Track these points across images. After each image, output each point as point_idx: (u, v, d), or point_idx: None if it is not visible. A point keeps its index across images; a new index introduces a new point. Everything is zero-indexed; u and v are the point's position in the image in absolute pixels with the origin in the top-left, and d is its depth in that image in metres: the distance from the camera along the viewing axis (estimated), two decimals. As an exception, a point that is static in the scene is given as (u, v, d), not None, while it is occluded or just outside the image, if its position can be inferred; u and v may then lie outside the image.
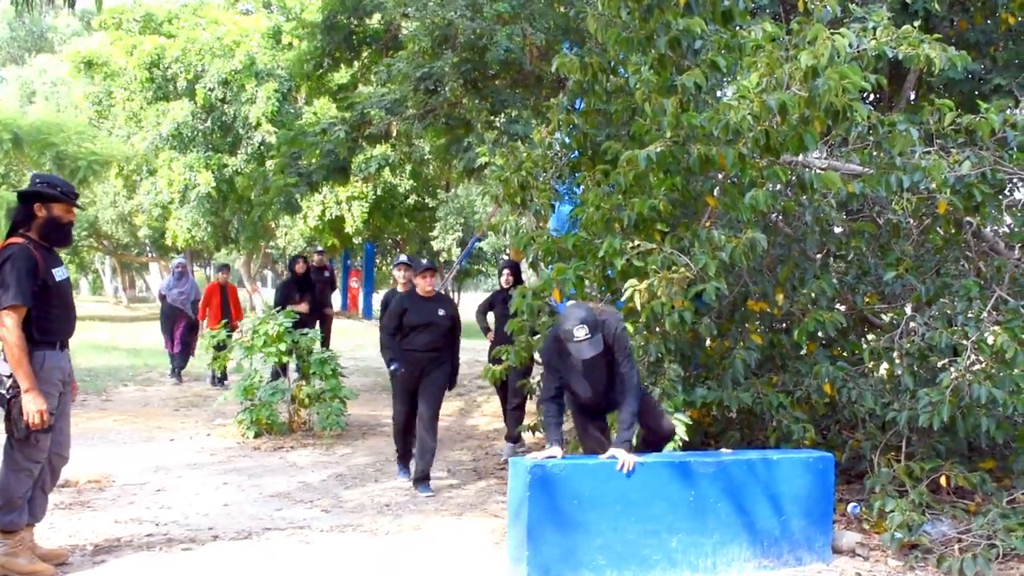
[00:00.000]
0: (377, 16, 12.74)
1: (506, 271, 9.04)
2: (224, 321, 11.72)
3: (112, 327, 22.47)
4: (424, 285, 7.46)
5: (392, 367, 7.46)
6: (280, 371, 9.75)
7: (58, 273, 5.02)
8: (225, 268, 13.48)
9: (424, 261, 7.88)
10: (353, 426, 10.09)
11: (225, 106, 23.75)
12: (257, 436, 9.23)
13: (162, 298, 13.86)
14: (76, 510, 6.43)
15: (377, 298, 26.26)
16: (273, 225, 25.84)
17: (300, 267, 12.49)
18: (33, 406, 4.77)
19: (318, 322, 11.98)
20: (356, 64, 14.10)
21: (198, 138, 24.10)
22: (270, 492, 7.15)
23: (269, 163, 14.43)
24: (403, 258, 8.45)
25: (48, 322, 4.94)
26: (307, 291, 12.34)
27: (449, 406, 12.07)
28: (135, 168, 25.29)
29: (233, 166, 23.38)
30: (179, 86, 24.04)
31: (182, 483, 7.38)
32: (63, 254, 5.25)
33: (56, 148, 20.79)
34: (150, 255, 34.34)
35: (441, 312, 7.52)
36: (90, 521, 6.15)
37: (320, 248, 17.78)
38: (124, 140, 24.82)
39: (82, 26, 41.82)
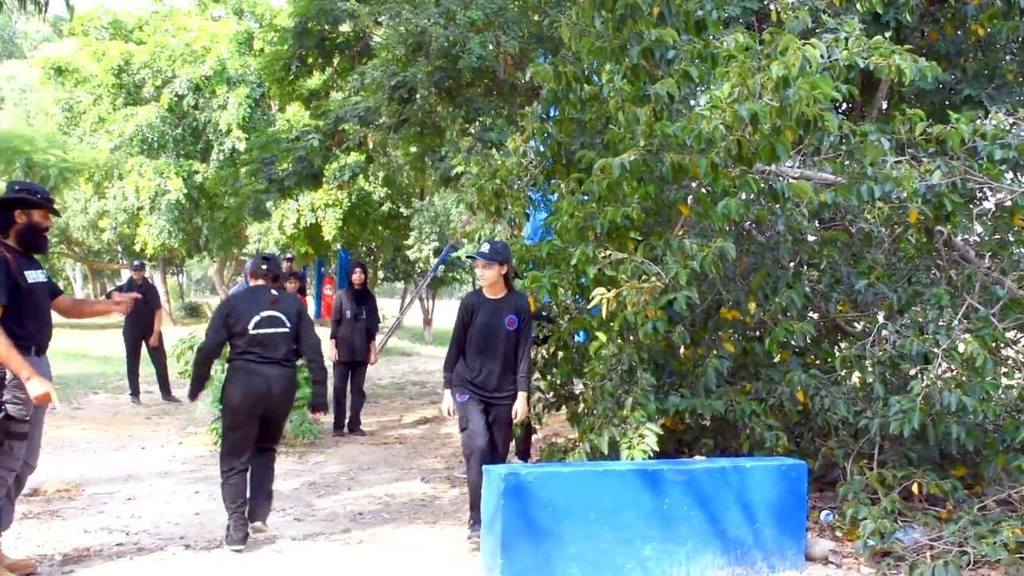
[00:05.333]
0: (349, 23, 12.70)
1: None
2: None
3: (83, 334, 22.23)
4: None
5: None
6: None
7: (31, 276, 4.99)
8: (293, 277, 11.26)
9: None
10: (326, 434, 10.03)
11: (196, 112, 23.61)
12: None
13: None
14: (45, 519, 6.35)
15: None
16: (246, 232, 25.69)
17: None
18: (40, 390, 4.74)
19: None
20: (328, 70, 14.04)
21: (168, 144, 23.93)
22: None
23: (243, 169, 14.33)
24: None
25: (19, 326, 4.89)
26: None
27: (422, 413, 12.05)
28: (105, 174, 25.09)
29: (204, 173, 23.24)
30: (147, 92, 23.88)
31: (153, 492, 7.32)
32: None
33: (26, 155, 20.62)
34: (121, 262, 34.05)
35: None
36: (59, 530, 6.08)
37: (289, 255, 17.59)
38: (93, 146, 24.63)
39: (52, 32, 41.49)
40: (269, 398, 5.79)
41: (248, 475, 5.87)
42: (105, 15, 25.83)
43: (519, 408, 6.07)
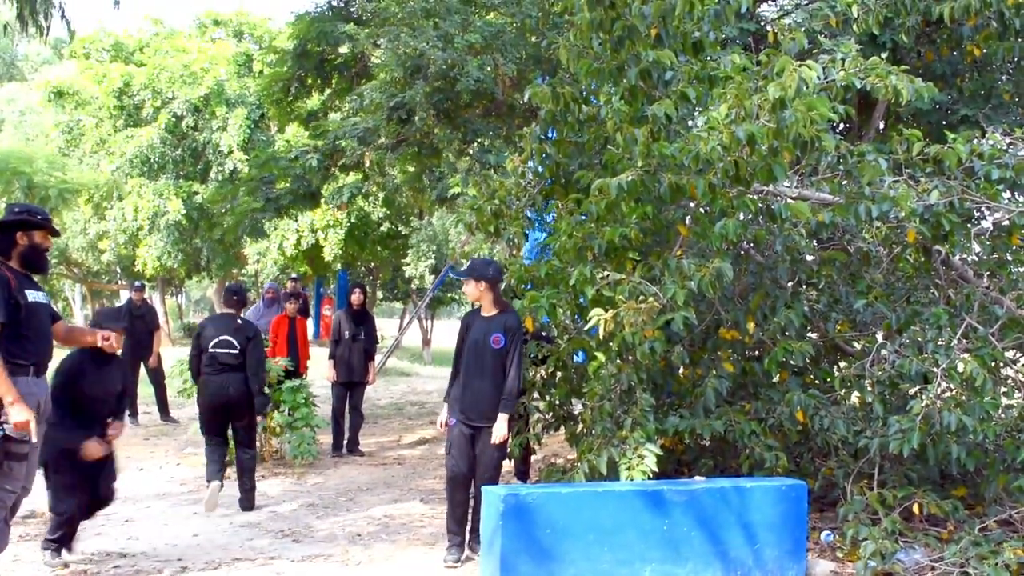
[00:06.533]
0: (348, 45, 12.76)
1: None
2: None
3: (81, 356, 22.22)
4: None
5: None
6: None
7: (32, 296, 5.00)
8: (295, 297, 11.26)
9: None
10: (324, 454, 10.01)
11: (196, 133, 23.68)
12: (228, 465, 9.13)
13: None
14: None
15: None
16: (245, 253, 25.73)
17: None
18: (21, 417, 4.69)
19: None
20: (326, 91, 14.09)
21: (168, 165, 24.00)
22: (240, 522, 7.08)
23: (241, 189, 14.38)
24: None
25: (18, 345, 4.89)
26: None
27: (421, 434, 12.03)
28: (104, 195, 25.15)
29: (204, 193, 23.30)
30: (146, 114, 23.98)
31: (151, 513, 7.30)
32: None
33: (26, 177, 20.66)
34: (120, 283, 34.06)
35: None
36: (56, 553, 6.05)
37: (295, 275, 17.57)
38: (93, 168, 24.69)
39: (53, 54, 41.64)
40: (224, 398, 7.42)
41: (224, 451, 7.66)
42: (107, 37, 25.97)
43: (497, 431, 6.01)
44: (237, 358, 7.41)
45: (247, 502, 7.51)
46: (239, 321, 7.65)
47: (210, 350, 7.40)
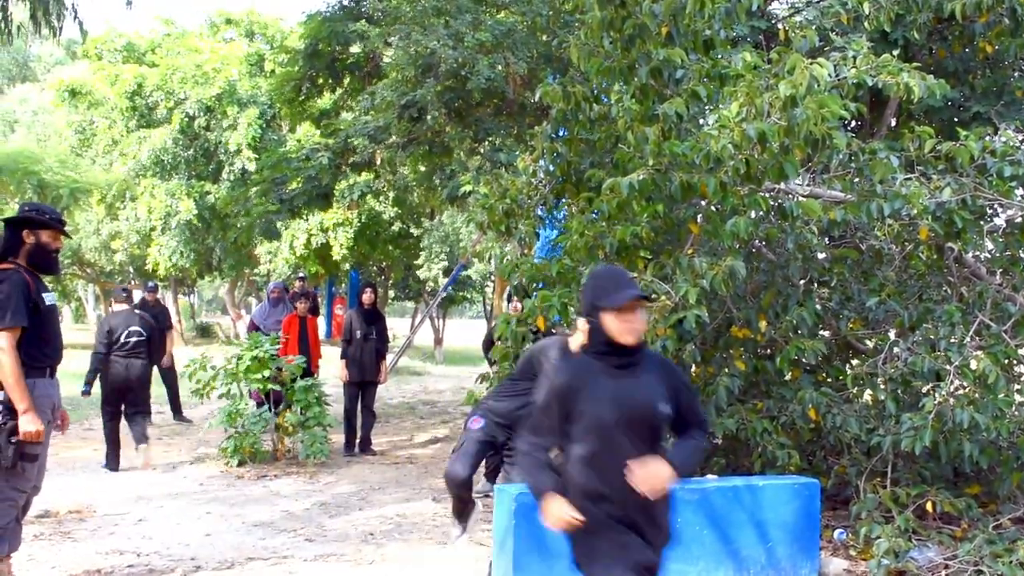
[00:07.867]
0: (359, 44, 12.79)
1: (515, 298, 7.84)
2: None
3: (94, 356, 22.31)
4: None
5: None
6: (264, 398, 9.69)
7: (47, 298, 5.02)
8: (304, 296, 11.32)
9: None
10: (336, 454, 10.03)
11: (208, 133, 23.75)
12: (240, 464, 9.18)
13: (254, 328, 11.22)
14: (57, 541, 6.37)
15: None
16: (256, 252, 25.79)
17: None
18: (31, 427, 4.72)
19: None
20: (338, 90, 14.12)
21: (180, 165, 24.08)
22: (253, 521, 7.10)
23: (254, 189, 14.44)
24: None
25: (36, 347, 4.92)
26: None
27: (433, 433, 12.04)
28: (117, 195, 25.26)
29: (216, 193, 23.37)
30: (159, 114, 24.06)
31: (164, 513, 7.32)
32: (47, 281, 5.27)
33: (37, 176, 20.76)
34: (133, 282, 34.18)
35: None
36: (71, 552, 6.09)
37: (302, 275, 17.60)
38: (106, 168, 24.79)
39: (66, 55, 41.79)
40: (129, 379, 9.17)
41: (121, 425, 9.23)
42: (119, 38, 26.07)
43: None
44: (145, 344, 9.25)
45: (137, 434, 9.22)
46: (137, 313, 9.67)
47: (123, 339, 9.11)
